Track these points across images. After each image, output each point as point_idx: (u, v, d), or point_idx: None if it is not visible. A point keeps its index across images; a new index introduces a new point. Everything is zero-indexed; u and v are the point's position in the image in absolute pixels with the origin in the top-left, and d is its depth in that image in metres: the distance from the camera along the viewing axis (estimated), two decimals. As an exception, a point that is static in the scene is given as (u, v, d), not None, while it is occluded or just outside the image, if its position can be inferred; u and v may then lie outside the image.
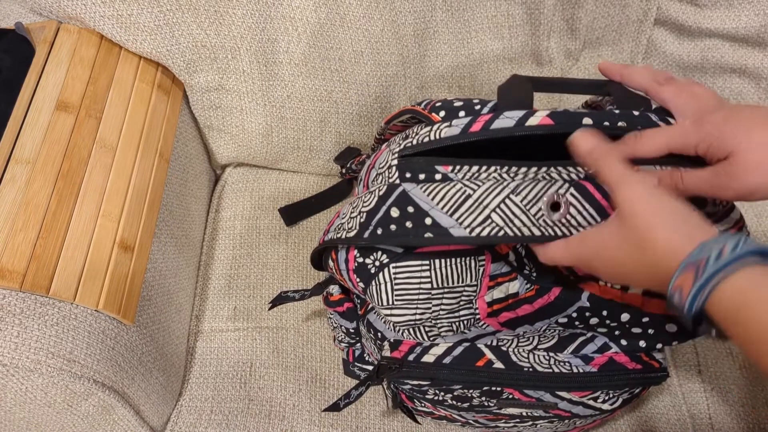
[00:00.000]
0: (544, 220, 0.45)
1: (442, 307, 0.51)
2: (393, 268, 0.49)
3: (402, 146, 0.49)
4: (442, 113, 0.51)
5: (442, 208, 0.46)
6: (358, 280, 0.51)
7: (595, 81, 0.51)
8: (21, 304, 0.50)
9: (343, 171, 0.75)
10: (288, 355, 0.68)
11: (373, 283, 0.50)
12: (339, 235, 0.51)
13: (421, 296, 0.50)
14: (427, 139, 0.48)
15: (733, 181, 0.41)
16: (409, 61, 0.72)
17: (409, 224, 0.47)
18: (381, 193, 0.48)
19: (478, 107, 0.50)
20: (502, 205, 0.45)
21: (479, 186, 0.45)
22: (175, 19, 0.66)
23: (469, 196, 0.45)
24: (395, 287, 0.50)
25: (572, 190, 0.44)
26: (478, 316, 0.52)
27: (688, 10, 0.70)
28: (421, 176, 0.47)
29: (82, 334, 0.52)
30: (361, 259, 0.51)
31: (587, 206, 0.44)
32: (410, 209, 0.47)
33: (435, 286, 0.50)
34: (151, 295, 0.61)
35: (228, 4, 0.66)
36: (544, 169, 0.45)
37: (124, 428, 0.58)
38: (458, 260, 0.50)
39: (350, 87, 0.73)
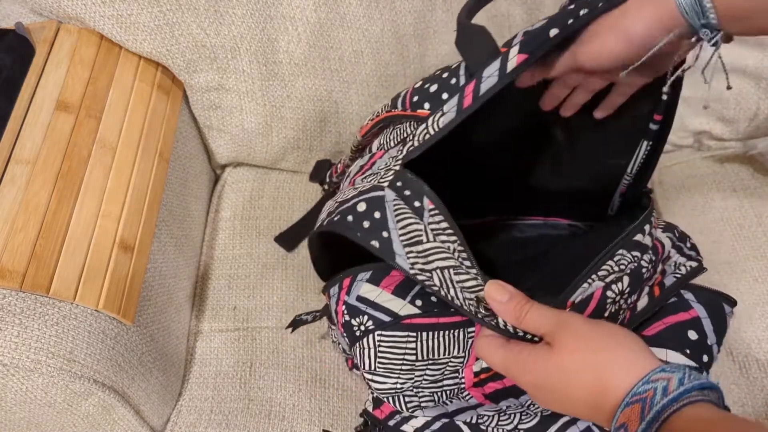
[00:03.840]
0: (475, 308, 0.44)
1: (425, 377, 0.50)
2: (378, 335, 0.48)
3: (405, 151, 0.48)
4: (427, 105, 0.50)
5: (401, 235, 0.45)
6: (345, 335, 0.50)
7: None
8: (21, 304, 0.50)
9: (325, 186, 0.73)
10: (288, 355, 0.68)
11: (358, 345, 0.49)
12: (315, 226, 0.51)
13: (404, 367, 0.49)
14: (427, 136, 0.47)
15: (580, 61, 0.45)
16: (409, 61, 0.72)
17: (366, 224, 0.45)
18: (363, 189, 0.47)
19: (454, 81, 0.49)
20: (444, 271, 0.44)
21: (431, 242, 0.44)
22: (175, 18, 0.66)
23: (421, 242, 0.44)
24: (378, 355, 0.48)
25: None
26: (463, 386, 0.51)
27: (688, 10, 0.70)
28: (407, 192, 0.46)
29: (82, 334, 0.52)
30: (348, 317, 0.49)
31: None
32: (377, 214, 0.45)
33: (420, 358, 0.48)
34: (151, 295, 0.61)
35: (228, 4, 0.66)
36: (481, 284, 0.44)
37: (124, 428, 0.58)
38: (447, 333, 0.48)
39: (350, 87, 0.73)
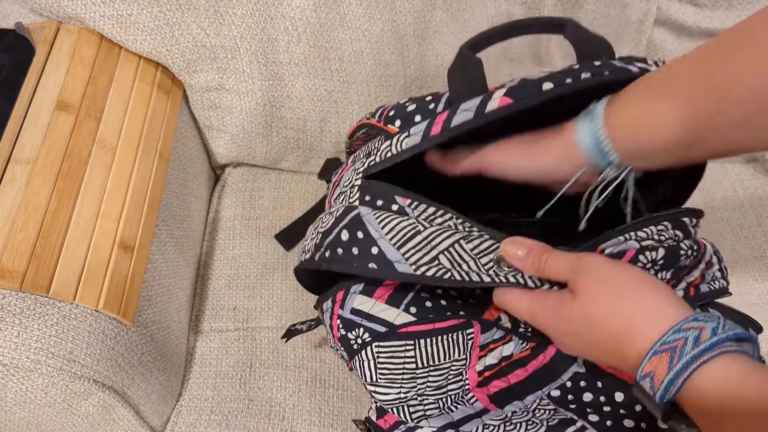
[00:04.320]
0: (494, 271, 0.42)
1: (428, 384, 0.49)
2: (375, 347, 0.47)
3: (366, 165, 0.47)
4: (398, 123, 0.49)
5: (391, 239, 0.44)
6: (342, 349, 0.50)
7: (548, 18, 0.48)
8: (21, 304, 0.50)
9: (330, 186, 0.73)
10: (288, 355, 0.68)
11: (357, 358, 0.49)
12: (301, 258, 0.50)
13: (405, 376, 0.48)
14: (389, 154, 0.46)
15: (485, 166, 0.47)
16: (409, 61, 0.72)
17: (355, 250, 0.45)
18: (338, 214, 0.47)
19: (432, 106, 0.48)
20: (451, 249, 0.43)
21: (428, 228, 0.43)
22: (175, 18, 0.66)
23: (419, 232, 0.43)
24: (378, 366, 0.48)
25: None
26: (467, 387, 0.50)
27: (688, 10, 0.70)
28: (379, 202, 0.45)
29: (82, 334, 0.52)
30: (343, 332, 0.49)
31: None
32: (360, 234, 0.45)
33: (420, 365, 0.48)
34: (151, 295, 0.61)
35: (228, 4, 0.66)
36: (496, 240, 0.43)
37: (124, 428, 0.58)
38: (445, 337, 0.48)
39: (350, 87, 0.73)
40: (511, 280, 0.43)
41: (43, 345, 0.50)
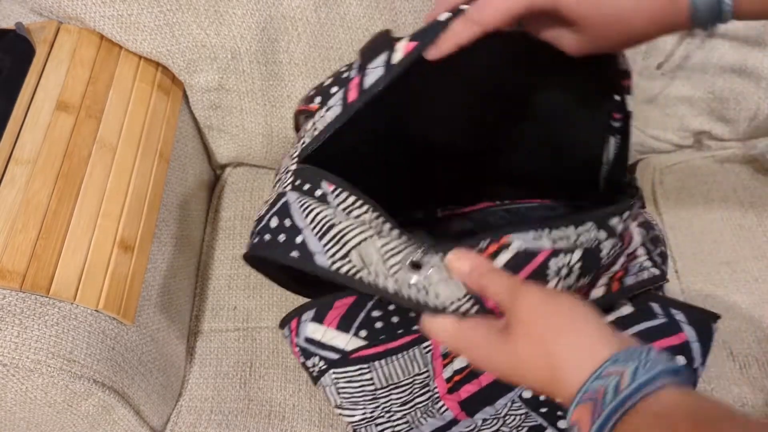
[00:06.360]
0: (401, 276, 0.39)
1: (392, 401, 0.49)
2: (333, 373, 0.47)
3: (299, 149, 0.46)
4: (318, 99, 0.48)
5: (313, 229, 0.42)
6: (307, 374, 0.50)
7: None
8: (21, 304, 0.50)
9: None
10: (288, 355, 0.68)
11: (319, 383, 0.49)
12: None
13: (366, 397, 0.48)
14: (315, 132, 0.45)
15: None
16: (409, 61, 0.72)
17: (281, 238, 0.43)
18: (271, 200, 0.46)
19: (345, 75, 0.47)
20: (363, 244, 0.40)
21: (343, 222, 0.41)
22: (175, 19, 0.66)
23: (334, 225, 0.41)
24: (339, 391, 0.48)
25: (441, 255, 0.40)
26: (437, 396, 0.50)
27: (688, 10, 0.70)
28: (306, 187, 0.44)
29: (82, 334, 0.52)
30: (303, 359, 0.49)
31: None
32: (287, 222, 0.43)
33: (379, 386, 0.48)
34: (151, 295, 0.61)
35: (228, 4, 0.66)
36: (409, 243, 0.41)
37: (124, 428, 0.58)
38: (400, 356, 0.47)
39: (350, 87, 0.73)
40: (413, 297, 0.39)
41: (43, 345, 0.50)
